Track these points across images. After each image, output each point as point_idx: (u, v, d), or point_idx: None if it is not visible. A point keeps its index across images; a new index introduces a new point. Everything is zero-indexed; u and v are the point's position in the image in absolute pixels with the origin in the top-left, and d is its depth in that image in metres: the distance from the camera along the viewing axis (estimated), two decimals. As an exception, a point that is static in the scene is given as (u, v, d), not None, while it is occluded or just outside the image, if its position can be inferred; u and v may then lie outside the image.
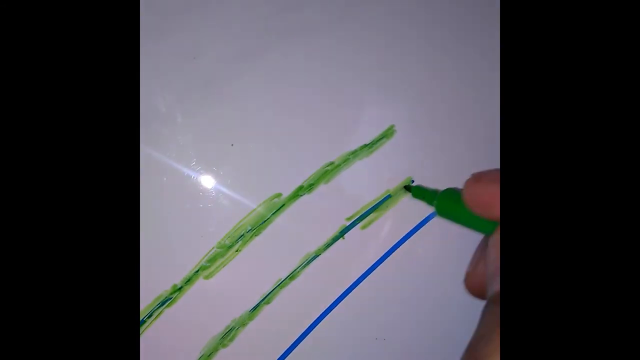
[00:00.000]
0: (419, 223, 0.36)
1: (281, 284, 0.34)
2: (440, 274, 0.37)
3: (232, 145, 0.33)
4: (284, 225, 0.34)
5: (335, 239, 0.35)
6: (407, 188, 0.35)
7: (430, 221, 0.36)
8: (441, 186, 0.36)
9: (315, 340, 0.35)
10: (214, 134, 0.33)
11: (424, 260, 0.36)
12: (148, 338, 0.32)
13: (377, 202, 0.35)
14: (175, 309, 0.32)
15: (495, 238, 0.19)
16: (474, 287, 0.21)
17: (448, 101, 0.37)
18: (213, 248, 0.33)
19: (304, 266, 0.34)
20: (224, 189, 0.33)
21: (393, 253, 0.36)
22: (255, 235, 0.33)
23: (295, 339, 0.35)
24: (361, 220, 0.35)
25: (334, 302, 0.35)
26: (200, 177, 0.32)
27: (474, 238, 0.22)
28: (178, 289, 0.32)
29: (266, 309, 0.34)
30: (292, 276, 0.34)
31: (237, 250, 0.33)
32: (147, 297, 0.32)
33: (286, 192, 0.34)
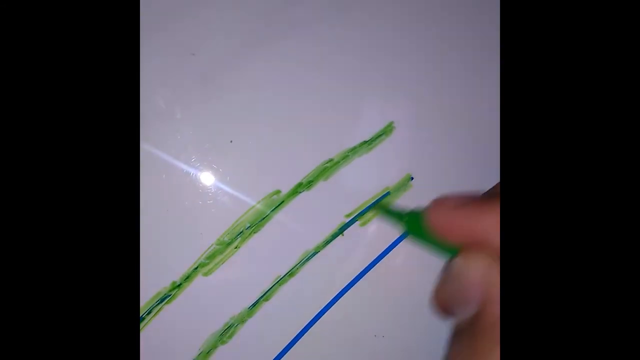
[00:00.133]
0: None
1: (280, 281, 0.34)
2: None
3: (230, 141, 0.33)
4: (283, 222, 0.34)
5: (334, 236, 0.35)
6: (377, 207, 0.35)
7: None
8: (440, 184, 0.36)
9: (314, 338, 0.35)
10: (213, 130, 0.33)
11: (424, 257, 0.36)
12: (147, 335, 0.32)
13: (377, 198, 0.35)
14: (174, 305, 0.32)
15: (453, 266, 0.19)
16: (439, 306, 0.21)
17: (448, 98, 0.36)
18: (212, 245, 0.33)
19: (303, 263, 0.34)
20: (223, 186, 0.33)
21: (393, 250, 0.36)
22: (254, 232, 0.33)
23: (294, 336, 0.35)
24: (360, 217, 0.35)
25: (332, 299, 0.35)
26: (199, 174, 0.32)
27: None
28: (177, 286, 0.32)
29: (265, 306, 0.34)
30: (291, 273, 0.34)
31: (236, 247, 0.33)
32: (146, 294, 0.32)
33: (285, 189, 0.34)
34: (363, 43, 0.35)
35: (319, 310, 0.35)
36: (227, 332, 0.33)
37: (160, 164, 0.32)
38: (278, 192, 0.34)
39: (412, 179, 0.36)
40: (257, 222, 0.33)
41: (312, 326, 0.35)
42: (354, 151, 0.35)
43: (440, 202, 0.20)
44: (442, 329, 0.37)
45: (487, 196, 0.21)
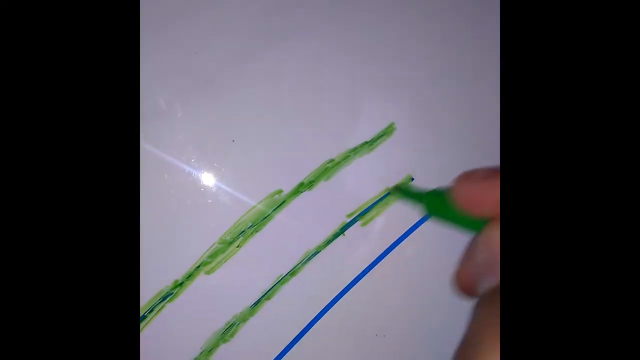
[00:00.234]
0: (418, 221, 0.36)
1: (282, 280, 0.34)
2: (442, 270, 0.37)
3: (233, 141, 0.33)
4: (284, 222, 0.34)
5: (335, 236, 0.35)
6: (395, 190, 0.35)
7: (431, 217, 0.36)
8: (441, 183, 0.36)
9: (315, 337, 0.35)
10: (215, 130, 0.33)
11: (425, 256, 0.36)
12: (149, 333, 0.32)
13: (378, 198, 0.35)
14: (177, 304, 0.33)
15: (484, 235, 0.19)
16: (464, 285, 0.21)
17: (449, 98, 0.37)
18: (214, 244, 0.33)
19: (305, 262, 0.35)
20: (226, 185, 0.33)
21: (394, 249, 0.36)
22: (256, 231, 0.33)
23: (295, 335, 0.35)
24: (361, 217, 0.35)
25: (334, 298, 0.35)
26: (202, 173, 0.33)
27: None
28: (179, 285, 0.32)
29: (267, 305, 0.34)
30: (292, 272, 0.34)
31: (238, 246, 0.33)
32: (148, 292, 0.32)
33: (287, 189, 0.34)
34: (364, 44, 0.35)
35: (320, 310, 0.35)
36: (229, 331, 0.34)
37: (163, 164, 0.32)
38: (280, 191, 0.34)
39: (413, 179, 0.36)
40: (259, 222, 0.33)
41: (313, 325, 0.35)
42: (355, 151, 0.35)
43: (467, 176, 0.20)
44: (442, 329, 0.37)
45: None
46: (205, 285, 0.33)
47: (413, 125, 0.36)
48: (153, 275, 0.32)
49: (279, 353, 0.34)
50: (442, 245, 0.36)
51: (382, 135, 0.35)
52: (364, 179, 0.35)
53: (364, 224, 0.35)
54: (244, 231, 0.33)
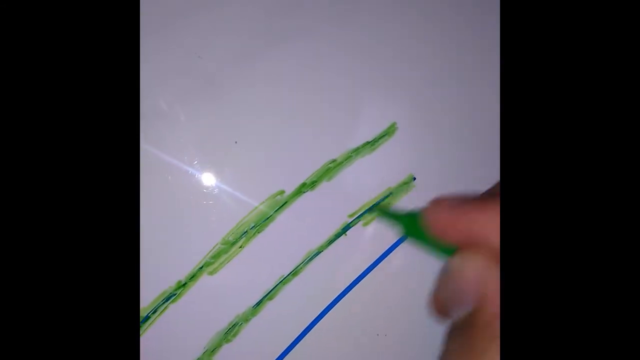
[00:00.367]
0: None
1: (284, 280, 0.34)
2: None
3: (235, 142, 0.33)
4: (286, 222, 0.34)
5: (337, 236, 0.35)
6: (375, 209, 0.35)
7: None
8: (443, 184, 0.36)
9: (316, 336, 0.35)
10: (218, 131, 0.33)
11: (426, 256, 0.36)
12: (153, 334, 0.32)
13: (380, 199, 0.36)
14: (180, 304, 0.33)
15: (453, 263, 0.20)
16: (438, 310, 0.21)
17: (450, 98, 0.37)
18: (217, 244, 0.33)
19: (307, 262, 0.35)
20: (228, 186, 0.33)
21: (396, 249, 0.36)
22: (259, 232, 0.34)
23: (297, 335, 0.35)
24: (363, 217, 0.35)
25: (336, 298, 0.35)
26: (204, 174, 0.33)
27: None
28: (182, 285, 0.33)
29: (269, 305, 0.34)
30: (294, 272, 0.35)
31: (240, 247, 0.33)
32: (152, 293, 0.32)
33: (289, 189, 0.34)
34: (365, 44, 0.35)
35: (322, 309, 0.35)
36: (231, 331, 0.34)
37: (166, 165, 0.32)
38: (282, 192, 0.34)
39: (415, 179, 0.36)
40: (262, 222, 0.34)
41: (315, 325, 0.35)
42: (357, 152, 0.35)
43: (437, 203, 0.21)
44: (444, 328, 0.37)
45: (485, 196, 0.21)
46: (208, 285, 0.33)
47: (415, 125, 0.36)
48: (156, 276, 0.32)
49: (281, 353, 0.35)
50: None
51: (384, 135, 0.35)
52: (366, 179, 0.35)
53: (365, 224, 0.35)
54: (246, 232, 0.33)
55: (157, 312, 0.32)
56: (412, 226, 0.24)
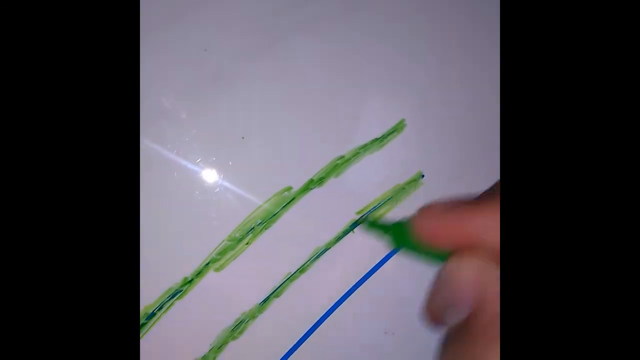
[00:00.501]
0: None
1: (291, 277, 0.34)
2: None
3: (243, 138, 0.33)
4: (294, 219, 0.34)
5: (345, 233, 0.35)
6: (358, 223, 0.35)
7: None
8: (451, 181, 0.36)
9: (323, 334, 0.35)
10: (225, 127, 0.33)
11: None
12: (159, 330, 0.32)
13: (388, 196, 0.35)
14: (186, 301, 0.33)
15: (445, 270, 0.19)
16: (432, 318, 0.21)
17: (458, 95, 0.36)
18: (223, 241, 0.33)
19: (314, 259, 0.34)
20: (235, 182, 0.33)
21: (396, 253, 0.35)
22: (266, 229, 0.33)
23: (304, 333, 0.35)
24: (371, 214, 0.35)
25: (343, 295, 0.35)
26: (211, 170, 0.33)
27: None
28: (189, 282, 0.33)
29: (276, 302, 0.34)
30: (302, 269, 0.34)
31: (247, 243, 0.33)
32: (158, 290, 0.32)
33: (297, 186, 0.34)
34: (374, 42, 0.35)
35: (329, 307, 0.35)
36: (238, 328, 0.34)
37: (172, 162, 0.32)
38: (289, 188, 0.34)
39: (423, 176, 0.36)
40: (269, 219, 0.33)
41: (322, 323, 0.35)
42: (365, 148, 0.35)
43: (427, 210, 0.20)
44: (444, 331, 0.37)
45: (480, 198, 0.21)
46: (214, 282, 0.33)
47: (423, 122, 0.36)
48: (162, 272, 0.32)
49: (287, 350, 0.34)
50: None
51: (392, 132, 0.35)
52: (374, 176, 0.35)
53: (365, 228, 0.35)
54: (253, 228, 0.33)
55: (163, 309, 0.32)
56: (400, 236, 0.24)
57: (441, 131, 0.36)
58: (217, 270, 0.33)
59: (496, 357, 0.16)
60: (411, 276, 0.36)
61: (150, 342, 0.32)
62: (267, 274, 0.34)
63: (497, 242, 0.18)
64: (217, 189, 0.33)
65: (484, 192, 0.21)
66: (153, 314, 0.32)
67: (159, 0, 0.31)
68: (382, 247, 0.36)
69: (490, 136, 0.36)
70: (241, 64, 0.33)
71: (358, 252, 0.35)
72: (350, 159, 0.34)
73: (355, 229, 0.35)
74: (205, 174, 0.33)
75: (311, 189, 0.34)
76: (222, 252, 0.33)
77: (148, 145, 0.31)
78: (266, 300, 0.34)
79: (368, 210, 0.35)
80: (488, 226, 0.18)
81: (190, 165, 0.32)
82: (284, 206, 0.34)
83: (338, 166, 0.34)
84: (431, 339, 0.37)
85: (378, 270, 0.35)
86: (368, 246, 0.35)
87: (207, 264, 0.33)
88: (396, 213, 0.35)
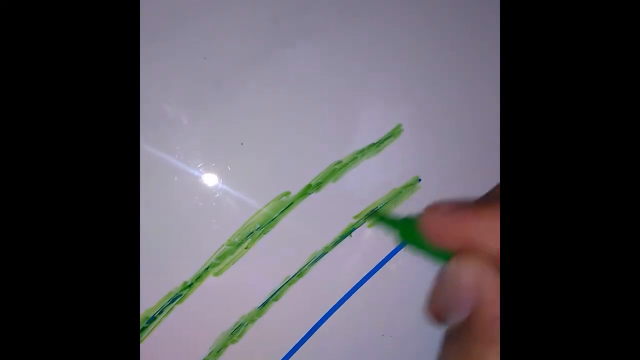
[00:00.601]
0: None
1: (290, 281, 0.34)
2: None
3: (241, 144, 0.33)
4: (292, 223, 0.34)
5: (343, 237, 0.35)
6: (372, 215, 0.35)
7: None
8: (448, 186, 0.36)
9: (322, 337, 0.35)
10: (223, 133, 0.33)
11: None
12: (159, 334, 0.32)
13: (385, 200, 0.36)
14: (186, 305, 0.33)
15: (449, 268, 0.20)
16: (435, 315, 0.21)
17: (455, 100, 0.37)
18: (222, 245, 0.33)
19: (312, 264, 0.35)
20: (234, 187, 0.33)
21: (400, 250, 0.36)
22: (264, 233, 0.34)
23: (302, 336, 0.35)
24: (369, 218, 0.35)
25: (341, 299, 0.35)
26: (210, 175, 0.33)
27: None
28: (188, 286, 0.33)
29: (275, 306, 0.34)
30: (300, 273, 0.35)
31: (246, 248, 0.33)
32: (158, 294, 0.32)
33: (294, 191, 0.34)
34: (371, 47, 0.35)
35: (328, 310, 0.35)
36: (237, 331, 0.34)
37: (172, 167, 0.32)
38: (287, 193, 0.34)
39: (420, 180, 0.36)
40: (267, 223, 0.34)
41: (320, 326, 0.35)
42: (362, 153, 0.35)
43: (433, 209, 0.21)
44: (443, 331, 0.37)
45: (482, 201, 0.21)
46: (214, 286, 0.33)
47: (420, 126, 0.36)
48: (162, 276, 0.32)
49: (286, 353, 0.35)
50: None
51: (389, 137, 0.35)
52: (372, 181, 0.35)
53: (371, 226, 0.35)
54: (252, 233, 0.34)
55: (163, 313, 0.33)
56: (408, 232, 0.24)
57: (439, 136, 0.36)
58: (216, 274, 0.33)
59: (496, 357, 0.16)
60: (410, 280, 0.36)
61: (150, 346, 0.32)
62: (265, 278, 0.34)
63: (499, 244, 0.18)
64: (217, 194, 0.33)
65: (489, 193, 0.21)
66: (154, 318, 0.32)
67: (159, 7, 0.31)
68: (380, 251, 0.36)
69: (489, 140, 0.37)
70: (240, 71, 0.33)
71: (356, 256, 0.36)
72: (347, 163, 0.35)
73: (352, 234, 0.35)
74: (204, 179, 0.33)
75: (309, 193, 0.34)
76: (222, 257, 0.33)
77: (149, 150, 0.32)
78: (265, 304, 0.34)
79: (365, 214, 0.35)
80: (491, 228, 0.18)
81: (190, 170, 0.33)
82: (282, 211, 0.34)
83: (336, 171, 0.35)
84: (429, 341, 0.37)
85: (376, 273, 0.36)
86: (366, 250, 0.36)
87: (207, 268, 0.33)
88: (396, 213, 0.36)
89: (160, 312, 0.32)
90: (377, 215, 0.33)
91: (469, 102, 0.37)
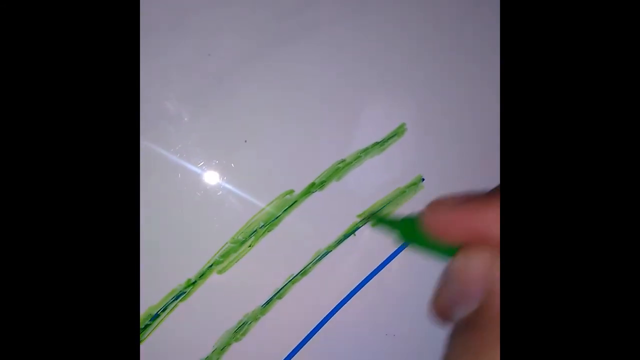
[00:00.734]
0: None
1: (293, 280, 0.35)
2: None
3: (245, 141, 0.33)
4: (296, 222, 0.34)
5: (346, 236, 0.35)
6: (370, 217, 0.35)
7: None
8: (452, 185, 0.36)
9: (325, 336, 0.35)
10: (228, 131, 0.33)
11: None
12: (162, 332, 0.33)
13: (389, 199, 0.36)
14: (189, 303, 0.33)
15: (455, 263, 0.20)
16: (440, 313, 0.21)
17: (459, 99, 0.36)
18: (226, 243, 0.33)
19: (316, 262, 0.35)
20: (238, 185, 0.33)
21: (405, 248, 0.36)
22: (268, 231, 0.34)
23: (306, 334, 0.35)
24: (372, 217, 0.35)
25: (344, 297, 0.35)
26: (213, 173, 0.33)
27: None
28: (192, 284, 0.33)
29: (278, 304, 0.34)
30: (303, 272, 0.35)
31: (250, 246, 0.34)
32: (162, 291, 0.33)
33: (298, 189, 0.34)
34: (376, 45, 0.35)
35: (331, 309, 0.35)
36: (240, 330, 0.34)
37: (176, 165, 0.32)
38: (291, 192, 0.34)
39: (424, 179, 0.36)
40: (271, 221, 0.34)
41: (323, 324, 0.35)
42: (366, 152, 0.35)
43: (437, 204, 0.21)
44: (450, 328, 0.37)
45: (490, 194, 0.21)
46: (218, 284, 0.33)
47: (424, 126, 0.36)
48: (166, 274, 0.33)
49: (290, 352, 0.35)
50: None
51: (393, 136, 0.35)
52: (375, 179, 0.35)
53: (374, 224, 0.35)
54: (255, 231, 0.34)
55: (167, 310, 0.33)
56: (409, 231, 0.24)
57: (442, 135, 0.36)
58: (220, 272, 0.33)
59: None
60: (413, 279, 0.36)
61: (154, 343, 0.32)
62: (269, 276, 0.34)
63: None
64: (220, 192, 0.33)
65: (493, 189, 0.21)
66: (157, 315, 0.32)
67: (160, 3, 0.31)
68: (383, 250, 0.36)
69: (490, 139, 0.37)
70: (242, 67, 0.33)
71: (359, 254, 0.36)
72: (351, 162, 0.35)
73: (356, 232, 0.35)
74: (208, 177, 0.33)
75: (313, 192, 0.34)
76: (225, 255, 0.33)
77: (152, 148, 0.32)
78: (269, 302, 0.34)
79: (369, 213, 0.35)
80: (497, 220, 0.18)
81: (193, 168, 0.33)
82: (286, 209, 0.34)
83: (339, 170, 0.35)
84: (432, 340, 0.37)
85: (379, 272, 0.36)
86: (369, 249, 0.36)
87: (210, 266, 0.33)
88: (396, 214, 0.36)
89: (164, 310, 0.33)
90: (376, 218, 0.33)
91: (473, 101, 0.37)
